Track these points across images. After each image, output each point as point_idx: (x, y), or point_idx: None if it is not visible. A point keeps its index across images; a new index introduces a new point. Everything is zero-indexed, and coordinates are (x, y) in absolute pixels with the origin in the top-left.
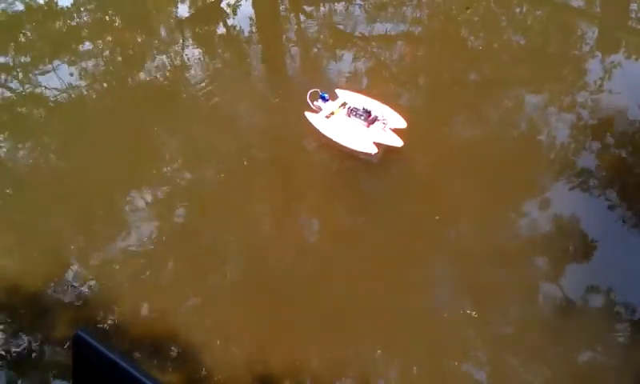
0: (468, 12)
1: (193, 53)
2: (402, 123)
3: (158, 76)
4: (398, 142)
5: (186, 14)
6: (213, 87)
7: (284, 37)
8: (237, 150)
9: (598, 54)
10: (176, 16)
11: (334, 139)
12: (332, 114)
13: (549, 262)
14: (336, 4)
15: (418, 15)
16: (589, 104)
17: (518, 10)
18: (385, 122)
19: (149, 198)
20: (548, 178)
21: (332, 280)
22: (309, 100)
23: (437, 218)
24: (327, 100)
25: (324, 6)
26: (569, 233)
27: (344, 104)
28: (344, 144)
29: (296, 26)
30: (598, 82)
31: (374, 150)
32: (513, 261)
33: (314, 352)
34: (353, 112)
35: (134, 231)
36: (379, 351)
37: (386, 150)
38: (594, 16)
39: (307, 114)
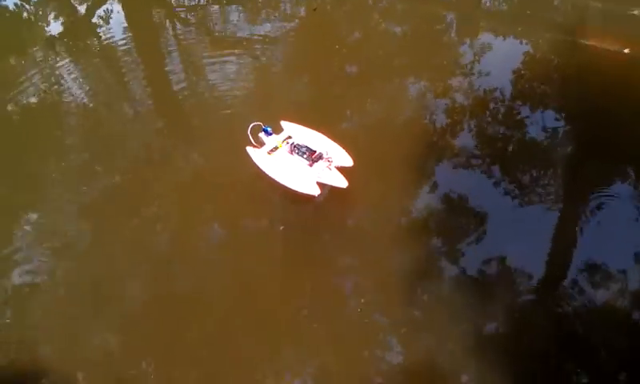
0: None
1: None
2: (348, 161)
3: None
4: (342, 183)
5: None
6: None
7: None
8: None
9: (465, 39)
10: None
11: (276, 178)
12: (275, 148)
13: (443, 240)
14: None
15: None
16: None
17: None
18: (330, 159)
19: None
20: (433, 160)
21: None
22: (249, 134)
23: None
24: (270, 134)
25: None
26: (459, 210)
27: (288, 138)
28: (286, 184)
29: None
30: (469, 64)
31: (316, 192)
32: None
33: None
34: (295, 149)
35: None
36: None
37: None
38: (452, 4)
39: (249, 149)
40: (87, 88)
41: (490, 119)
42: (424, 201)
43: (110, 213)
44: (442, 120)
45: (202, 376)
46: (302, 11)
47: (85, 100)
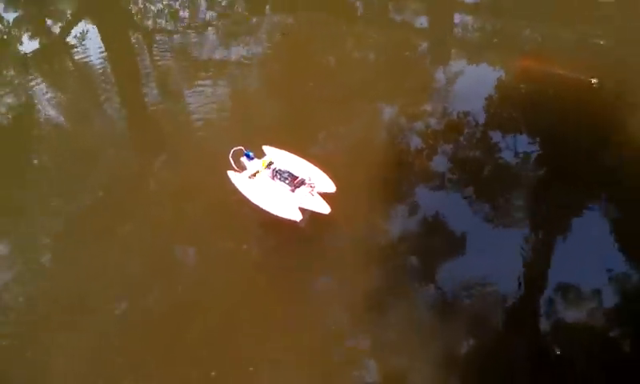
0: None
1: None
2: (330, 187)
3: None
4: (324, 209)
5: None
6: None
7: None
8: None
9: (438, 65)
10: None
11: (257, 203)
12: (257, 173)
13: (419, 261)
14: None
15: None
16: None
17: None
18: (312, 185)
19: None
20: (410, 183)
21: None
22: (231, 158)
23: None
24: (252, 158)
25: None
26: (435, 232)
27: (270, 163)
28: (267, 209)
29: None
30: (443, 90)
31: (298, 217)
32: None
33: None
34: (277, 175)
35: None
36: None
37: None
38: (424, 31)
39: (230, 173)
40: (60, 108)
41: (463, 143)
42: (402, 225)
43: (85, 232)
44: (417, 143)
45: None
46: (277, 37)
47: (58, 120)
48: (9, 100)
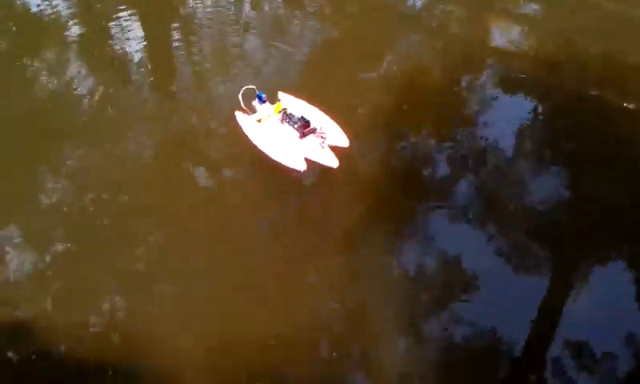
0: None
1: None
2: (343, 141)
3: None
4: (333, 163)
5: None
6: None
7: None
8: None
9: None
10: None
11: (262, 148)
12: (266, 117)
13: (431, 299)
14: None
15: None
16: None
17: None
18: (323, 135)
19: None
20: (429, 210)
21: None
22: (241, 98)
23: None
24: (264, 101)
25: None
26: (451, 267)
27: (284, 110)
28: (271, 155)
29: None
30: (473, 116)
31: (302, 167)
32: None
33: None
34: (287, 118)
35: None
36: None
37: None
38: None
39: (238, 114)
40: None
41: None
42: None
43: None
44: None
45: None
46: None
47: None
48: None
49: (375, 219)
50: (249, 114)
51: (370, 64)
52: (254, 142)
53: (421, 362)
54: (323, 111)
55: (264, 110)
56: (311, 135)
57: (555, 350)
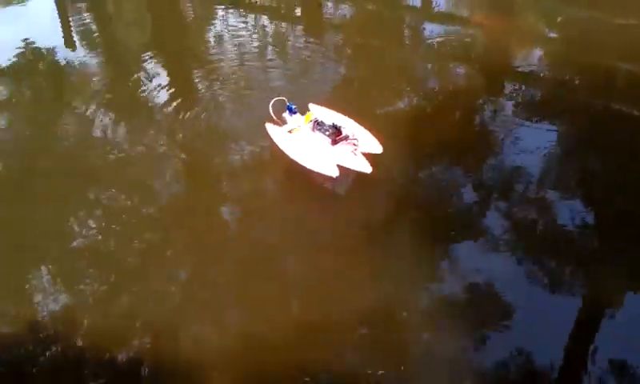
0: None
1: None
2: (377, 148)
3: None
4: (366, 168)
5: None
6: None
7: None
8: None
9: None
10: None
11: (293, 157)
12: (298, 128)
13: (465, 330)
14: None
15: None
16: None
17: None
18: (355, 143)
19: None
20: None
21: None
22: (271, 109)
23: None
24: (295, 112)
25: None
26: (482, 291)
27: (315, 119)
28: (303, 163)
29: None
30: (499, 144)
31: (334, 173)
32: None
33: None
34: (318, 127)
35: None
36: None
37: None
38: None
39: (268, 125)
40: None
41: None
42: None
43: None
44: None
45: None
46: None
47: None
48: None
49: (407, 231)
50: (280, 126)
51: (398, 85)
52: (286, 151)
53: None
54: (355, 120)
55: (295, 120)
56: (343, 142)
57: (594, 370)
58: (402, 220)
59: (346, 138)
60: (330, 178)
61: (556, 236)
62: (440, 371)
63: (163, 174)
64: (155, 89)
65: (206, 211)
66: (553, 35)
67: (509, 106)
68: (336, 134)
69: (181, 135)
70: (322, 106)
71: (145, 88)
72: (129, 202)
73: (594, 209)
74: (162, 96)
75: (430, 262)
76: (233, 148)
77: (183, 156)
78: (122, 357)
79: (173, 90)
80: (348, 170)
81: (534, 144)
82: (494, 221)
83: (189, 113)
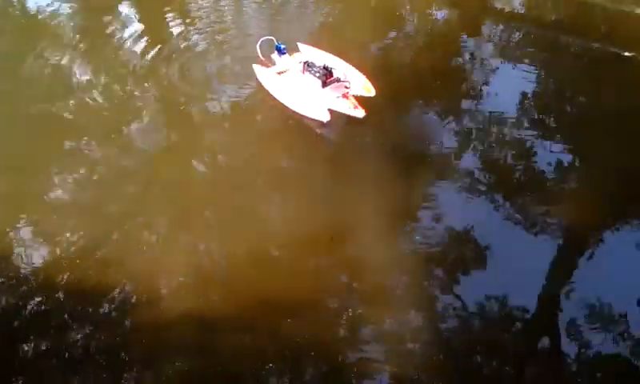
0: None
1: None
2: (369, 90)
3: None
4: (358, 113)
5: None
6: None
7: None
8: None
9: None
10: None
11: (282, 101)
12: (286, 71)
13: (445, 271)
14: None
15: None
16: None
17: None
18: (347, 85)
19: None
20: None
21: None
22: (259, 49)
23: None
24: (284, 53)
25: None
26: (462, 238)
27: (306, 62)
28: (292, 107)
29: None
30: (479, 88)
31: (325, 118)
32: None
33: None
34: (309, 68)
35: None
36: None
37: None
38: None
39: (255, 66)
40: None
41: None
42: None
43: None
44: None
45: None
46: None
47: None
48: None
49: (393, 178)
50: (268, 67)
51: (388, 24)
52: (275, 94)
53: (433, 330)
54: (349, 62)
55: (284, 62)
56: (335, 84)
57: (569, 312)
58: (385, 164)
59: (338, 79)
60: (321, 122)
61: (533, 177)
62: (415, 314)
63: (141, 122)
64: (131, 36)
65: (185, 160)
66: None
67: (488, 47)
68: (327, 76)
69: (165, 82)
70: (312, 45)
71: (119, 35)
72: (107, 151)
73: (572, 150)
74: (140, 43)
75: (407, 206)
76: (218, 91)
77: (164, 103)
78: (102, 302)
79: (149, 35)
80: (340, 113)
81: (512, 85)
82: (473, 163)
83: (168, 57)
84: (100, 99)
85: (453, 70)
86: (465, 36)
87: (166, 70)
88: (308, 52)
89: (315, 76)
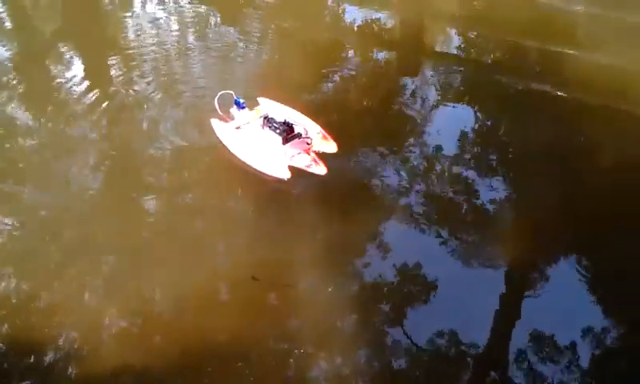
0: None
1: None
2: (331, 147)
3: None
4: (320, 170)
5: None
6: None
7: None
8: None
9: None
10: None
11: (242, 158)
12: (246, 124)
13: (393, 308)
14: None
15: None
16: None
17: None
18: (308, 141)
19: None
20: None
21: None
22: (216, 104)
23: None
24: (243, 107)
25: None
26: (409, 275)
27: (265, 115)
28: (251, 164)
29: None
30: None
31: (286, 175)
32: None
33: None
34: (269, 123)
35: None
36: None
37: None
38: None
39: (213, 121)
40: None
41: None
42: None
43: None
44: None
45: None
46: None
47: None
48: None
49: (339, 219)
50: (226, 122)
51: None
52: (233, 151)
53: (383, 367)
54: (310, 117)
55: (243, 116)
56: (296, 140)
57: (518, 342)
58: (333, 206)
59: (299, 135)
60: (281, 180)
61: (476, 212)
62: (364, 352)
63: (81, 166)
64: (74, 82)
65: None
66: (464, 13)
67: (430, 88)
68: (288, 132)
69: (113, 133)
70: (272, 99)
71: (63, 80)
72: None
73: (513, 185)
74: (87, 94)
75: (354, 245)
76: (172, 146)
77: (112, 153)
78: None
79: (98, 88)
80: (301, 170)
81: (453, 124)
82: (418, 201)
83: (118, 110)
84: (38, 142)
85: (396, 113)
86: (406, 78)
87: (120, 123)
88: (269, 106)
89: (276, 132)
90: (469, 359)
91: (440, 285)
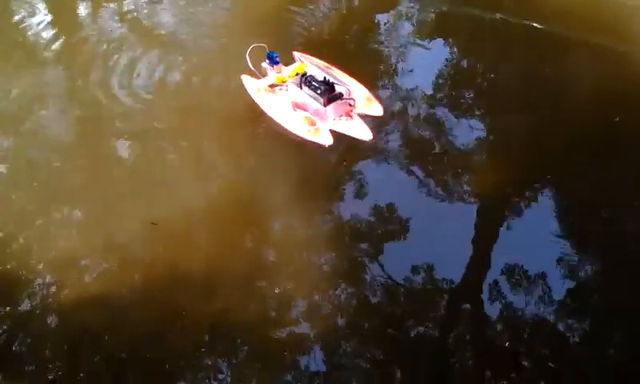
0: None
1: None
2: (377, 109)
3: None
4: (366, 134)
5: None
6: None
7: None
8: None
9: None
10: None
11: (276, 119)
12: (281, 82)
13: (370, 245)
14: None
15: None
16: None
17: None
18: (351, 103)
19: None
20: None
21: None
22: (248, 58)
23: None
24: (277, 62)
25: None
26: (386, 213)
27: (304, 75)
28: (288, 128)
29: None
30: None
31: (328, 141)
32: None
33: None
34: (307, 83)
35: None
36: None
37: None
38: None
39: (244, 77)
40: None
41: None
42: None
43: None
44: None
45: None
46: None
47: None
48: None
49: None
50: (258, 79)
51: None
52: (267, 112)
53: (361, 303)
54: (353, 76)
55: (277, 72)
56: (337, 101)
57: (492, 275)
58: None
59: (340, 96)
60: (322, 146)
61: (452, 151)
62: (342, 288)
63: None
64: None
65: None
66: None
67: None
68: (329, 92)
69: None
70: (309, 55)
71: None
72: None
73: (486, 121)
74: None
75: (332, 186)
76: (198, 104)
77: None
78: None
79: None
80: (343, 135)
81: (425, 61)
82: (394, 140)
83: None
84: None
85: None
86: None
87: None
88: (305, 62)
89: (315, 93)
90: (444, 293)
91: (415, 221)
